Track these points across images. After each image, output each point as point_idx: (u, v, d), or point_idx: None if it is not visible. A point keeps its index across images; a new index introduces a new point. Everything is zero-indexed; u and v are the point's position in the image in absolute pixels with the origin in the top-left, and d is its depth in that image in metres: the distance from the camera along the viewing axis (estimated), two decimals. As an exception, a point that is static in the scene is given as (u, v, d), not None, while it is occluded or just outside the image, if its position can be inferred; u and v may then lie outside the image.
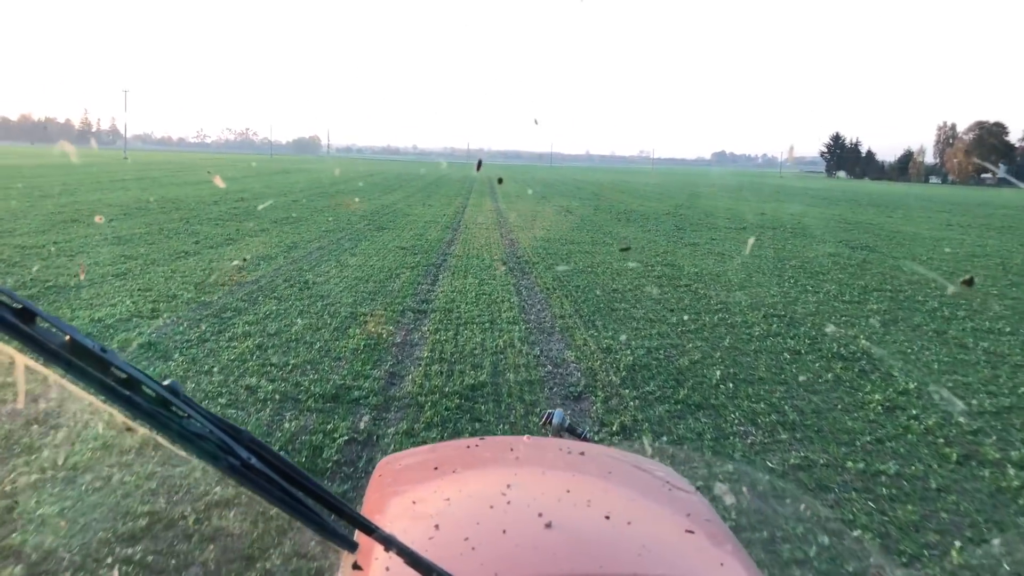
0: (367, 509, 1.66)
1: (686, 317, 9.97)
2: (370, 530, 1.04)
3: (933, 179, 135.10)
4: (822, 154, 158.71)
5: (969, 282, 13.53)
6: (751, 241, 20.22)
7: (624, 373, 7.39)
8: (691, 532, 1.51)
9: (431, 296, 10.84)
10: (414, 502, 1.62)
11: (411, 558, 1.03)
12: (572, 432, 2.45)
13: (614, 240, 19.25)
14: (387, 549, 1.04)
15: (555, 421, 2.43)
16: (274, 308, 9.56)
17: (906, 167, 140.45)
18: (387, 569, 1.28)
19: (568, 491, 1.64)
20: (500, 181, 48.60)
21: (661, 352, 8.22)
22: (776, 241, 20.62)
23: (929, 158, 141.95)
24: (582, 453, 1.93)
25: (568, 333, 8.92)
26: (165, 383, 0.97)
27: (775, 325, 9.73)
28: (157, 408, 0.92)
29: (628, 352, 8.13)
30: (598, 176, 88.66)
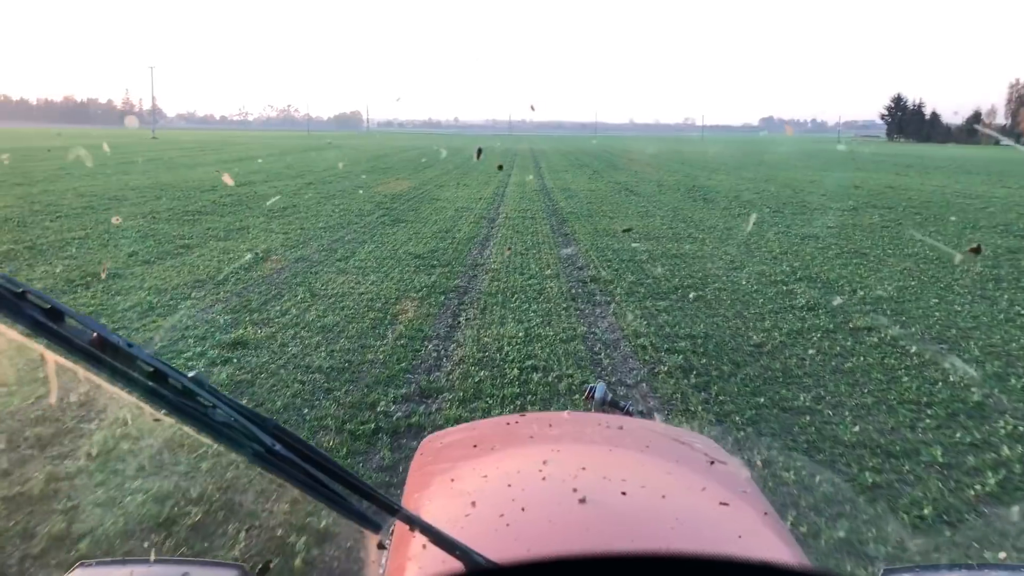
0: (409, 488, 1.67)
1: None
2: (393, 510, 1.08)
3: (1005, 140, 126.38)
4: (882, 117, 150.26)
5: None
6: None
7: None
8: (726, 504, 1.45)
9: (436, 383, 5.94)
10: (452, 480, 1.60)
11: (434, 536, 1.04)
12: (615, 406, 2.40)
13: (706, 233, 14.54)
14: (411, 528, 1.08)
15: (597, 395, 2.39)
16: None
17: (974, 129, 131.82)
18: (411, 548, 1.27)
19: (603, 466, 1.62)
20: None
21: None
22: (924, 227, 15.70)
23: (1000, 118, 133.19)
24: (620, 428, 1.91)
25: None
26: (190, 375, 0.98)
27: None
28: (183, 399, 0.94)
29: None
30: (647, 145, 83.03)
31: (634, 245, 12.75)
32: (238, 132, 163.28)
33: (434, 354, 6.66)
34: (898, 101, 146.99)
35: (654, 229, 14.83)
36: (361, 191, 22.62)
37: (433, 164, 38.46)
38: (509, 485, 1.52)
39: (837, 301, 8.77)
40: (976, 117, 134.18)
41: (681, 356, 6.63)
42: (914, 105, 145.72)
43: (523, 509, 1.39)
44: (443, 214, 17.10)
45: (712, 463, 1.72)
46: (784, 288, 9.45)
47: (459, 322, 7.66)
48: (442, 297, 8.72)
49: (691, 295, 8.95)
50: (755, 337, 7.24)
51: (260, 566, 3.47)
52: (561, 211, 18.15)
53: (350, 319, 7.68)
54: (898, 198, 22.82)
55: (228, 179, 29.23)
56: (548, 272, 10.25)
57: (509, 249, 12.21)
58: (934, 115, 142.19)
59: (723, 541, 1.34)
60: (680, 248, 12.55)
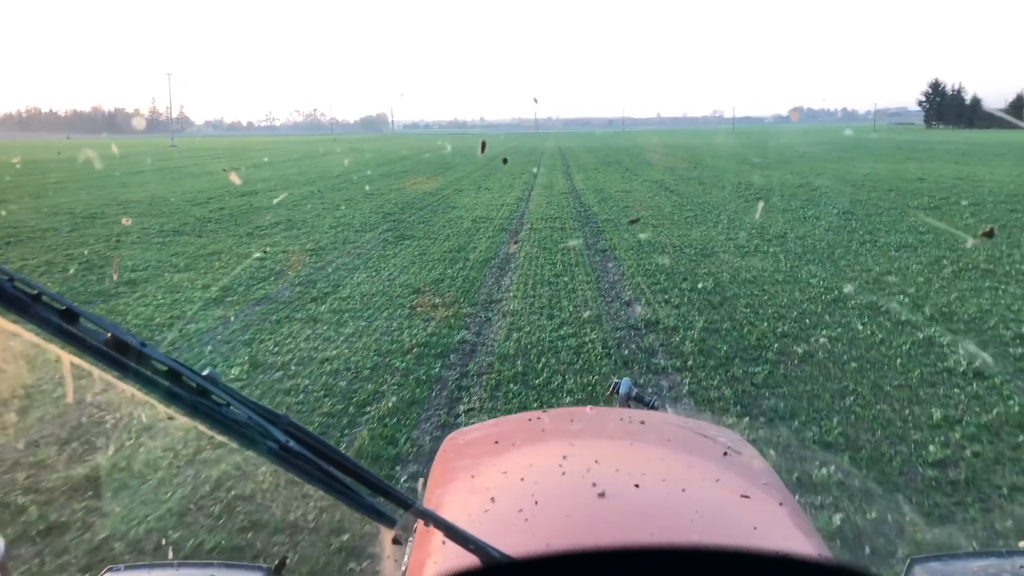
0: (431, 484, 1.65)
1: None
2: (407, 505, 1.07)
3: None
4: (920, 103, 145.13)
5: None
6: None
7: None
8: (747, 497, 1.42)
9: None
10: (473, 476, 1.60)
11: (449, 530, 1.04)
12: (639, 400, 2.34)
13: (779, 245, 11.87)
14: (425, 523, 1.08)
15: (622, 391, 2.33)
16: None
17: (1019, 114, 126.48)
18: (430, 543, 1.27)
19: (623, 460, 1.61)
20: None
21: None
22: None
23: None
24: (642, 422, 1.87)
25: None
26: (204, 374, 0.97)
27: None
28: (197, 398, 0.94)
29: None
30: (678, 139, 79.75)
31: (697, 270, 10.13)
32: (262, 138, 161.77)
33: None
34: (936, 87, 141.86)
35: (713, 241, 12.18)
36: (370, 199, 20.19)
37: (453, 166, 35.99)
38: (528, 480, 1.48)
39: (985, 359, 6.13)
40: (1020, 102, 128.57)
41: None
42: (953, 90, 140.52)
43: (542, 504, 1.36)
44: (458, 227, 14.58)
45: (732, 455, 1.68)
46: (937, 351, 6.80)
47: (456, 421, 5.06)
48: (437, 366, 6.13)
49: (798, 349, 6.36)
50: (912, 432, 4.62)
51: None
52: (595, 218, 15.54)
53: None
54: (980, 192, 19.93)
55: (235, 177, 27.36)
56: (586, 314, 7.67)
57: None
58: (975, 100, 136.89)
59: (742, 534, 1.31)
60: (749, 264, 9.92)
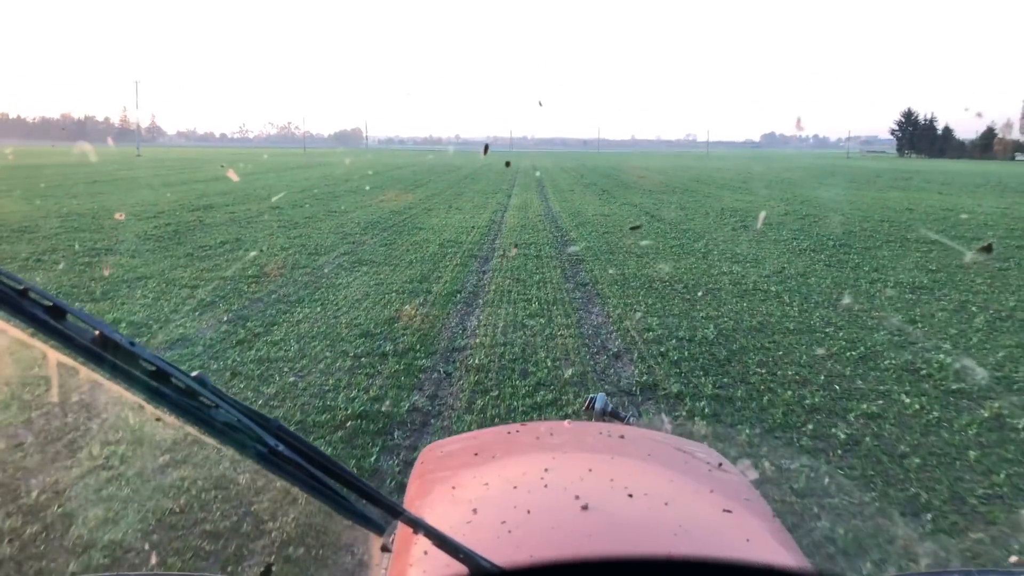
0: (409, 495, 1.64)
1: None
2: (397, 512, 1.07)
3: (1020, 156, 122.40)
4: (893, 132, 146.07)
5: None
6: None
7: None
8: (729, 512, 1.42)
9: None
10: (453, 487, 1.56)
11: (439, 539, 1.03)
12: (615, 416, 2.33)
13: (767, 278, 10.59)
14: (415, 531, 1.06)
15: (597, 406, 2.32)
16: None
17: (990, 144, 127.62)
18: (414, 551, 1.24)
19: (605, 473, 1.57)
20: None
21: None
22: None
23: (1015, 133, 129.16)
24: (622, 436, 1.85)
25: None
26: (193, 375, 0.96)
27: None
28: (186, 399, 0.93)
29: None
30: (654, 162, 78.88)
31: (694, 313, 8.82)
32: (234, 149, 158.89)
33: None
34: (908, 116, 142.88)
35: (706, 276, 10.88)
36: (332, 217, 18.72)
37: (425, 182, 34.58)
38: (511, 492, 1.47)
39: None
40: (991, 133, 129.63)
41: None
42: (925, 120, 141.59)
43: (526, 515, 1.36)
44: (423, 251, 13.18)
45: (714, 471, 1.68)
46: (1014, 437, 5.50)
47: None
48: (374, 452, 4.66)
49: (839, 432, 5.02)
50: None
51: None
52: (573, 245, 14.21)
53: None
54: (973, 225, 18.91)
55: (234, 175, 25.89)
56: (568, 373, 6.28)
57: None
58: (947, 130, 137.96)
59: (726, 547, 1.32)
60: (751, 306, 8.63)
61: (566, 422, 2.09)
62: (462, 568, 1.00)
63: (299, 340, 7.20)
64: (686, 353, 6.84)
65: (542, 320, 8.13)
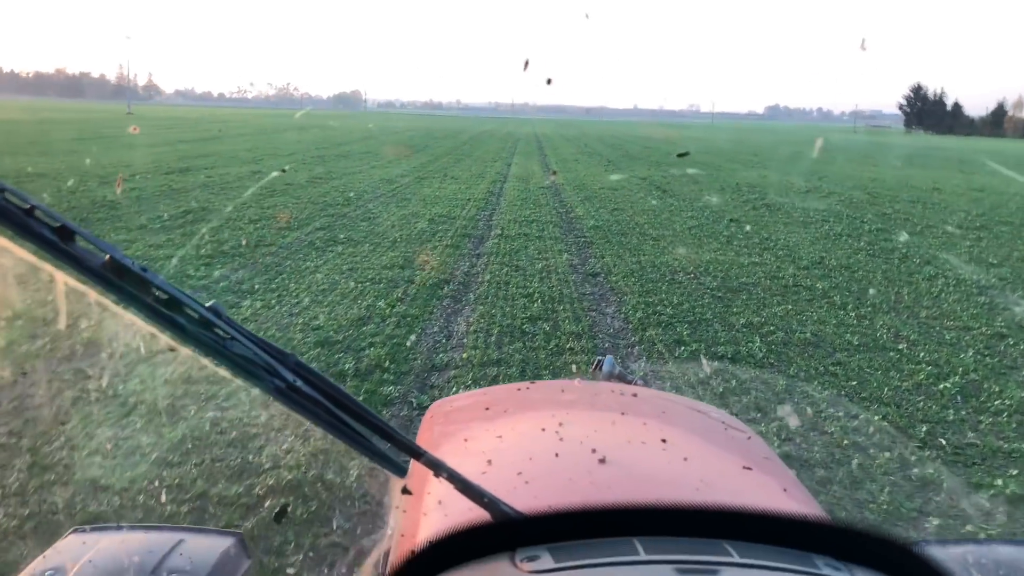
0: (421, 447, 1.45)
1: None
2: (418, 454, 1.02)
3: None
4: (901, 108, 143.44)
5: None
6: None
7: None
8: (749, 468, 1.39)
9: None
10: (466, 440, 1.52)
11: (461, 483, 0.99)
12: (622, 379, 2.23)
13: (805, 270, 9.03)
14: (436, 474, 1.02)
15: (605, 368, 2.25)
16: None
17: (1000, 121, 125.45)
18: (437, 494, 1.22)
19: (621, 428, 1.54)
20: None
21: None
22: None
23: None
24: (635, 395, 1.81)
25: None
26: (207, 305, 0.90)
27: None
28: (200, 329, 0.88)
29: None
30: (657, 132, 76.68)
31: (730, 318, 7.28)
32: (230, 109, 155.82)
33: None
34: (917, 91, 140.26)
35: (735, 267, 9.32)
36: (314, 184, 17.09)
37: (423, 148, 32.86)
38: (526, 444, 1.44)
39: None
40: (1001, 109, 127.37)
41: None
42: (935, 95, 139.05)
43: (542, 466, 1.31)
44: (410, 228, 11.61)
45: (730, 431, 1.66)
46: None
47: None
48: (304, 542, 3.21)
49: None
50: None
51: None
52: (581, 225, 12.60)
53: None
54: (1013, 206, 17.34)
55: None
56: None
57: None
58: (956, 106, 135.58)
59: (750, 501, 1.25)
60: (798, 310, 7.09)
61: (576, 380, 2.03)
62: (484, 513, 0.97)
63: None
64: (734, 383, 5.29)
65: (546, 325, 6.59)
